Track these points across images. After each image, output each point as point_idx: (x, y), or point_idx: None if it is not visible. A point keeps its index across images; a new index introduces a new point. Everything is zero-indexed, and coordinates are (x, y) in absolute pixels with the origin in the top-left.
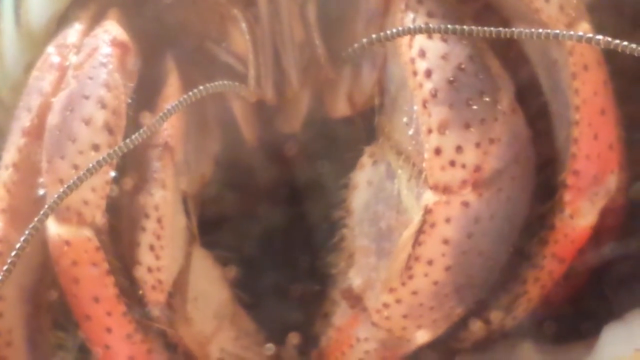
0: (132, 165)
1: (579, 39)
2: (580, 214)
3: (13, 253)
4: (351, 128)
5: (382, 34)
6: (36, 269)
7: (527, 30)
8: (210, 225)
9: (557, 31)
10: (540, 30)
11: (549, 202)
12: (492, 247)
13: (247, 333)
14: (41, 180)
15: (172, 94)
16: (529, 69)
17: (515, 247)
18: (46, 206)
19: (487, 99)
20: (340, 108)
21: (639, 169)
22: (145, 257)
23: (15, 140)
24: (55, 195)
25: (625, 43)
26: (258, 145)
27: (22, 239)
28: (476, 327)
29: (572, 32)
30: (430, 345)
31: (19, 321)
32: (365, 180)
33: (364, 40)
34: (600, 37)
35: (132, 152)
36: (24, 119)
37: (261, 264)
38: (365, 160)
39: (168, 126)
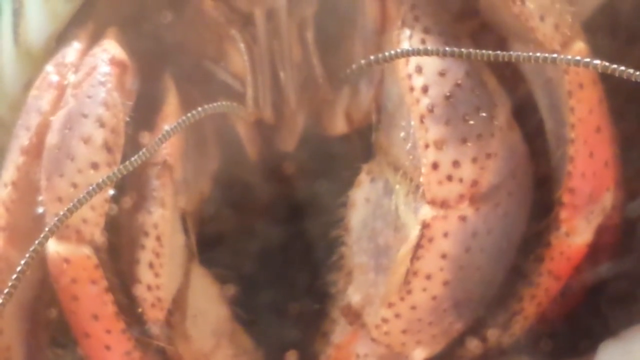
0: (131, 184)
1: (577, 63)
2: (576, 231)
3: (14, 276)
4: (350, 145)
5: (380, 55)
6: (35, 286)
7: (525, 54)
8: (209, 243)
9: (555, 55)
10: (538, 54)
11: (545, 220)
12: (489, 263)
13: (245, 351)
14: (40, 198)
15: (171, 112)
16: (525, 87)
17: (512, 263)
18: (45, 229)
19: (484, 115)
20: (338, 125)
21: (635, 187)
22: (145, 275)
23: (14, 159)
24: (55, 219)
25: (623, 68)
26: (258, 163)
27: (22, 262)
28: (473, 345)
29: (569, 57)
30: None
31: (17, 338)
32: (363, 198)
33: (362, 61)
34: (597, 61)
35: (131, 170)
36: (22, 138)
37: (260, 281)
38: (363, 177)
39: (167, 144)
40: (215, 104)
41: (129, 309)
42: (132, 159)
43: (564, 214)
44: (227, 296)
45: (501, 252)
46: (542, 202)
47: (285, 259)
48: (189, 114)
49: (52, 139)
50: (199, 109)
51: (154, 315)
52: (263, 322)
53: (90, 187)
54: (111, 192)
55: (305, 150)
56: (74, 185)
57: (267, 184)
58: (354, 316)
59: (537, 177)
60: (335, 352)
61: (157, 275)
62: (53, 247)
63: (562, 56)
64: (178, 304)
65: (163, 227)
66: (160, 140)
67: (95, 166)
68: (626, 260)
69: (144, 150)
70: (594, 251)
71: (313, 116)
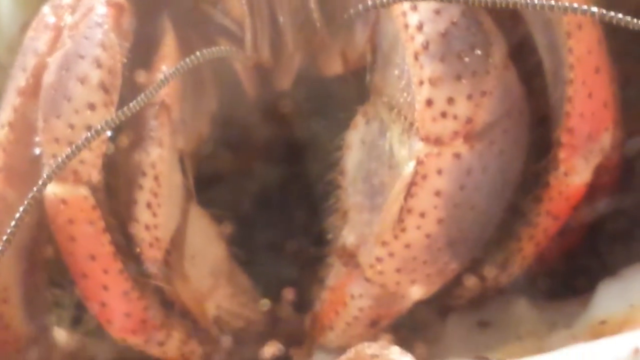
0: (128, 124)
1: (574, 10)
2: (575, 171)
3: (12, 223)
4: (349, 87)
5: (377, 0)
6: (32, 227)
7: (523, 1)
8: (206, 183)
9: (552, 3)
10: (536, 1)
11: (544, 160)
12: (485, 201)
13: (243, 290)
14: (37, 139)
15: (169, 54)
16: (524, 27)
17: (509, 204)
18: (43, 175)
19: (479, 53)
20: (334, 66)
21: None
22: (143, 214)
23: (11, 100)
24: (53, 165)
25: (621, 16)
26: (255, 102)
27: (20, 208)
28: (470, 283)
29: (567, 4)
30: (425, 303)
31: (15, 279)
32: (358, 140)
33: (360, 6)
34: (595, 9)
35: (129, 94)
36: (19, 79)
37: (257, 221)
38: (359, 119)
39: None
40: (213, 49)
41: (127, 250)
42: (130, 104)
43: (562, 154)
44: (224, 235)
45: (497, 192)
46: (541, 142)
47: (283, 199)
48: (186, 59)
49: (48, 80)
50: (197, 53)
51: (152, 255)
52: (260, 261)
53: (88, 134)
54: (108, 133)
55: (302, 90)
56: (71, 126)
57: (264, 125)
58: (349, 257)
59: (536, 117)
60: (330, 294)
61: (155, 215)
62: (50, 188)
63: (559, 3)
64: (176, 244)
65: (161, 167)
66: (158, 85)
67: (92, 107)
68: (625, 199)
69: (141, 95)
70: (593, 191)
71: (309, 57)
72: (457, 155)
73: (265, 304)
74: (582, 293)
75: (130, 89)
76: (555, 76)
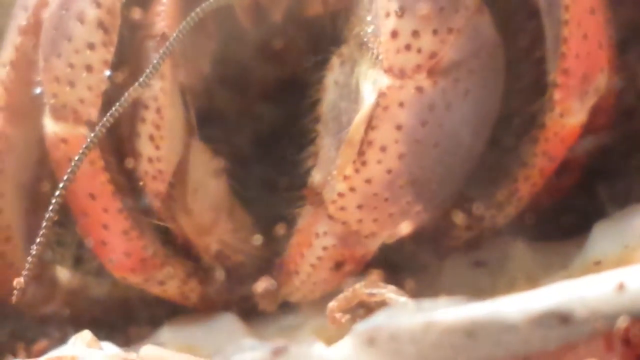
0: (129, 58)
1: None
2: (570, 112)
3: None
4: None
5: None
6: (33, 165)
7: None
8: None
9: None
10: None
11: (539, 101)
12: (449, 141)
13: (243, 226)
14: (38, 79)
15: None
16: None
17: (481, 150)
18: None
19: None
20: (315, 6)
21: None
22: (145, 147)
23: (13, 39)
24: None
25: None
26: (253, 40)
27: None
28: (466, 223)
29: None
30: (422, 245)
31: (17, 217)
32: (332, 81)
33: None
34: None
35: (129, 44)
36: (20, 18)
37: (253, 159)
38: (334, 61)
39: (165, 17)
40: (210, 2)
41: (128, 190)
42: (139, 80)
43: (558, 94)
44: (225, 173)
45: (464, 132)
46: (536, 83)
47: (280, 139)
48: (187, 19)
49: (49, 19)
50: (197, 10)
51: (156, 188)
52: (254, 197)
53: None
54: (108, 72)
55: (299, 30)
56: (71, 66)
57: (263, 64)
58: (315, 196)
59: (531, 59)
60: (297, 236)
61: (157, 147)
62: (51, 127)
63: None
64: (179, 178)
65: (163, 99)
66: (164, 53)
67: (91, 46)
68: (621, 142)
69: (150, 67)
70: (589, 133)
71: None
72: (419, 89)
73: (257, 239)
74: (578, 234)
75: (128, 30)
76: (551, 17)
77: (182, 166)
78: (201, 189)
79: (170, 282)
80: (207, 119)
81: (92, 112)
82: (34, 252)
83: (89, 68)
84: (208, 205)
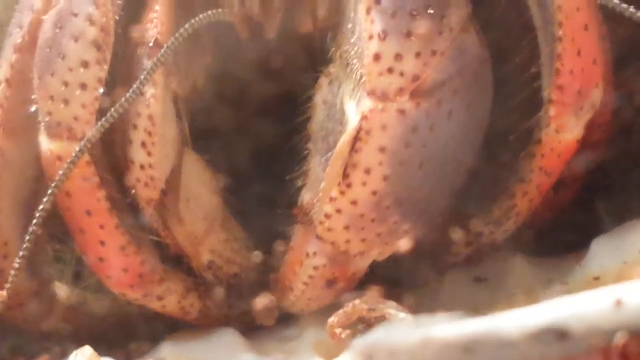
0: (121, 65)
1: None
2: (566, 128)
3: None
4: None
5: None
6: (31, 182)
7: None
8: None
9: None
10: None
11: (535, 117)
12: (434, 161)
13: (236, 237)
14: (33, 96)
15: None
16: None
17: (471, 165)
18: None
19: (432, 12)
20: (305, 23)
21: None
22: (137, 154)
23: (8, 56)
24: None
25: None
26: (249, 56)
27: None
28: (465, 240)
29: None
30: (422, 261)
31: (15, 234)
32: (321, 100)
33: None
34: None
35: (122, 51)
36: (15, 35)
37: (251, 175)
38: (322, 80)
39: (158, 23)
40: (204, 15)
41: (124, 206)
42: (132, 88)
43: (553, 111)
44: (219, 185)
45: (449, 152)
46: (532, 99)
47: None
48: (177, 34)
49: (43, 37)
50: (186, 25)
51: (147, 195)
52: (253, 213)
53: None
54: (101, 90)
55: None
56: (65, 84)
57: (260, 80)
58: (304, 215)
59: (526, 74)
60: (290, 255)
61: (149, 154)
62: (46, 144)
63: None
64: (171, 186)
65: (155, 106)
66: (155, 65)
67: (85, 64)
68: (620, 157)
69: (140, 77)
70: (586, 147)
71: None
72: (401, 112)
73: (257, 255)
74: (576, 249)
75: (122, 45)
76: (545, 33)
77: (174, 174)
78: (193, 198)
79: (169, 297)
80: (201, 132)
81: (87, 129)
82: (16, 265)
83: (83, 86)
84: (200, 215)
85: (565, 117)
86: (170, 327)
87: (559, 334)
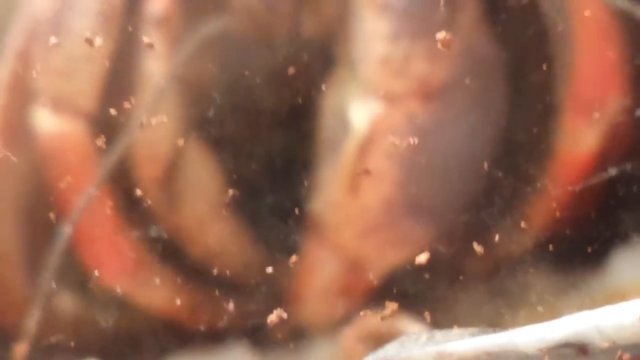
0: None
1: None
2: (581, 137)
3: None
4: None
5: None
6: (32, 191)
7: None
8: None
9: None
10: None
11: (552, 127)
12: (446, 164)
13: (236, 231)
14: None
15: None
16: None
17: (481, 170)
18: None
19: (442, 13)
20: (310, 26)
21: None
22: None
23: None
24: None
25: None
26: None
27: None
28: (481, 251)
29: None
30: (438, 275)
31: (15, 242)
32: (330, 107)
33: None
34: None
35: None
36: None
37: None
38: (331, 85)
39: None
40: (205, 27)
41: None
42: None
43: (567, 119)
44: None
45: (460, 153)
46: (548, 108)
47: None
48: (183, 46)
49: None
50: (188, 42)
51: (148, 173)
52: (265, 225)
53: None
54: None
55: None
56: (70, 57)
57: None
58: (315, 223)
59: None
60: (303, 264)
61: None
62: (46, 120)
63: None
64: (173, 169)
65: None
66: (157, 95)
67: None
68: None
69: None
70: (603, 157)
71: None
72: (410, 114)
73: (269, 269)
74: (598, 262)
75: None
76: (561, 41)
77: (178, 160)
78: (195, 184)
79: (178, 309)
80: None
81: (91, 104)
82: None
83: (88, 59)
84: (201, 202)
85: (580, 126)
86: (179, 341)
87: (579, 349)
